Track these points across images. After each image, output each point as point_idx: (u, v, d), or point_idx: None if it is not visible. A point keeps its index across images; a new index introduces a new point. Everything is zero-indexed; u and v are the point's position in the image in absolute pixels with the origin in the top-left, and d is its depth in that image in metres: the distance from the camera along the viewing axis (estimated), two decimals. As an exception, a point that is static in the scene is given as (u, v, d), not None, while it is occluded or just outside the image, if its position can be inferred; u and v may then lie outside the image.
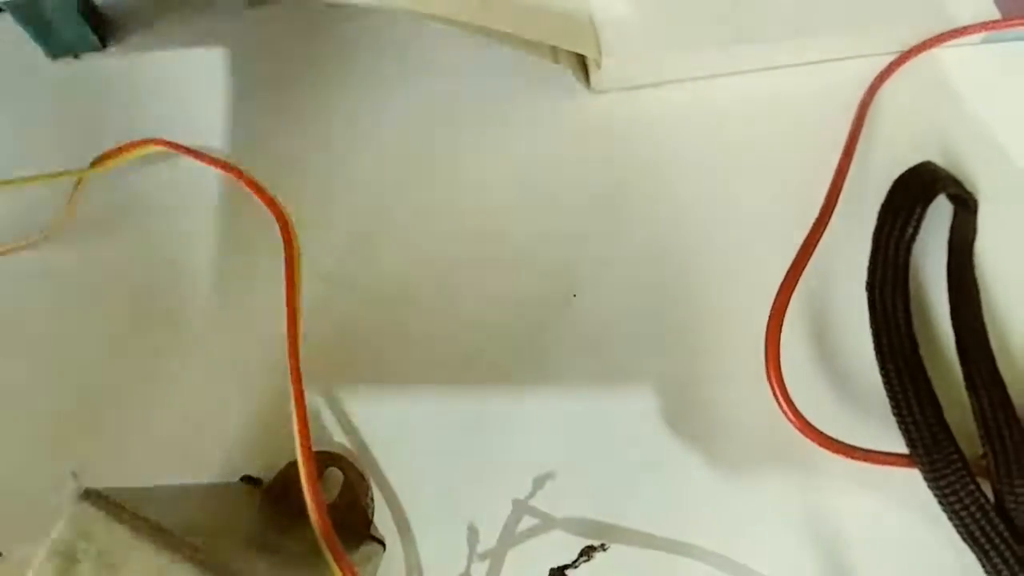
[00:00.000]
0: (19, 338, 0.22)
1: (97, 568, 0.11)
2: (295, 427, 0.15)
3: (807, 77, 0.25)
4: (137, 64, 0.28)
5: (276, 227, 0.18)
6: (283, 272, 0.17)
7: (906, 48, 0.26)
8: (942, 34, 0.26)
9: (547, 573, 0.16)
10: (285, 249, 0.18)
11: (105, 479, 0.13)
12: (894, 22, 0.26)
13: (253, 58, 0.27)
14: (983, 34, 0.26)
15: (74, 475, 0.13)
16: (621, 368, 0.21)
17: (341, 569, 0.13)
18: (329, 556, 0.13)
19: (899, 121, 0.25)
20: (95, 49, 0.28)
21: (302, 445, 0.15)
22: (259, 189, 0.18)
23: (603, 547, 0.17)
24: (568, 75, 0.25)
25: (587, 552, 0.17)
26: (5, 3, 0.26)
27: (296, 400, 0.15)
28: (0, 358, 0.21)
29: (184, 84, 0.27)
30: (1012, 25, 0.26)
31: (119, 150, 0.21)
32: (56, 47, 0.28)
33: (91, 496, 0.12)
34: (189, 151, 0.20)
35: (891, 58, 0.26)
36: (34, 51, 0.28)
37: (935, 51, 0.26)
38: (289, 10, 0.28)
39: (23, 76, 0.28)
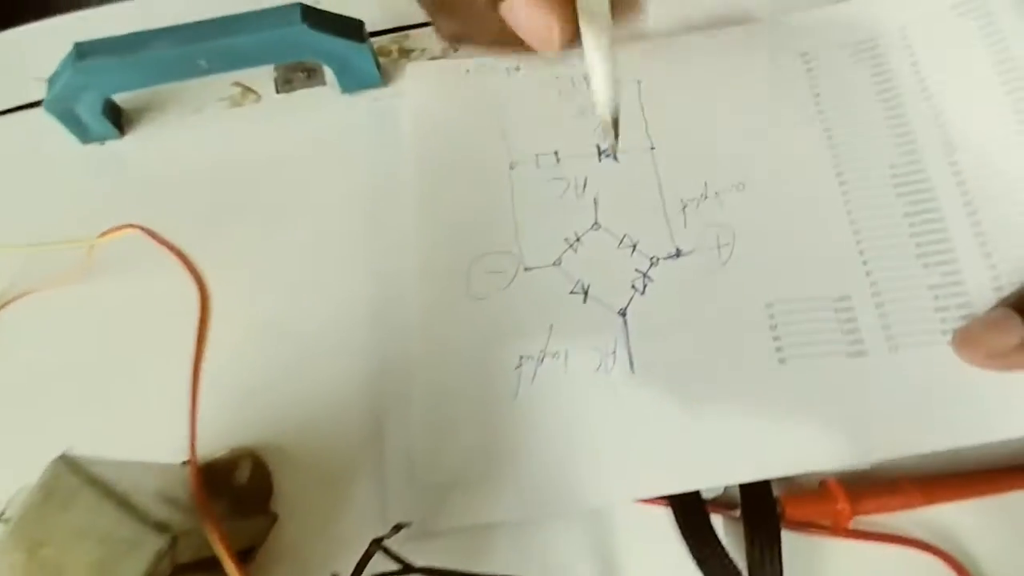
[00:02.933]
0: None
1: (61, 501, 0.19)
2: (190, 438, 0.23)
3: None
4: (146, 149, 0.37)
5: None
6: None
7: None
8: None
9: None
10: (200, 311, 0.26)
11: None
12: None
13: (224, 155, 0.36)
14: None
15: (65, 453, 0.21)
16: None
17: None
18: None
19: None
20: (116, 137, 0.37)
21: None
22: (191, 268, 0.27)
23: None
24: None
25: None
26: (46, 105, 0.35)
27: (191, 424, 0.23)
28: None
29: (176, 170, 0.36)
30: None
31: (113, 229, 0.29)
32: (85, 136, 0.37)
33: (65, 458, 0.20)
34: (153, 235, 0.29)
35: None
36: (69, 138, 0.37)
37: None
38: (265, 113, 0.37)
39: (60, 156, 0.37)
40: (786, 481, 0.26)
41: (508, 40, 0.22)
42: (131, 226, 0.29)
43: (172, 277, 0.31)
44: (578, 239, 0.30)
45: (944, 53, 0.30)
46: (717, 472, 0.25)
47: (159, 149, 0.36)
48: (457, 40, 0.23)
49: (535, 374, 0.27)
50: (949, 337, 0.26)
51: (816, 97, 0.31)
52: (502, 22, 0.22)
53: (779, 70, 0.32)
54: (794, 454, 0.25)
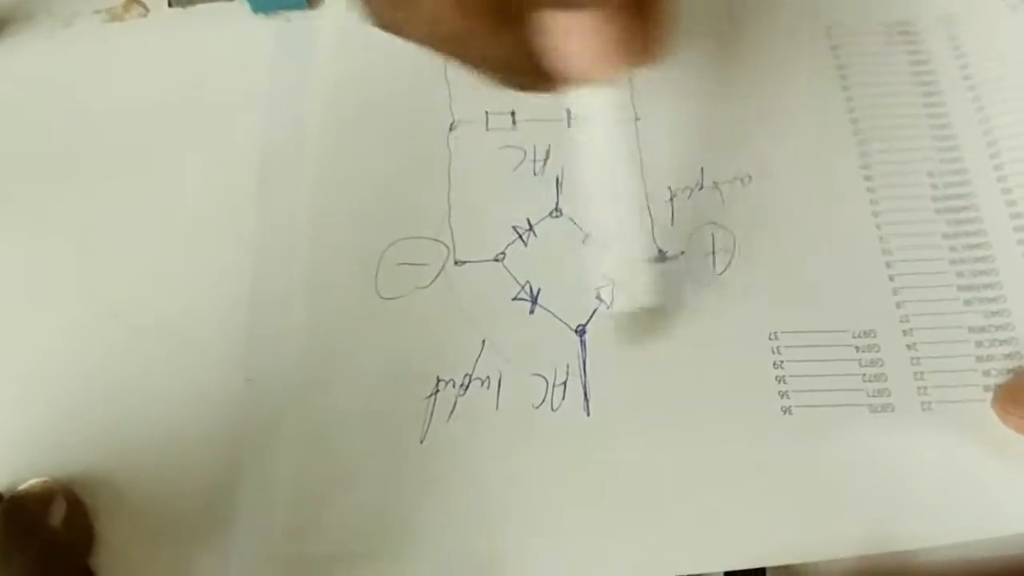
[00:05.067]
0: None
1: None
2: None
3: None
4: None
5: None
6: None
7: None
8: None
9: None
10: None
11: None
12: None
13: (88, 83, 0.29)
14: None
15: None
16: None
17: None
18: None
19: None
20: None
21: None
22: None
23: None
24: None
25: None
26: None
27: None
28: None
29: (24, 102, 0.29)
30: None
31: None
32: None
33: None
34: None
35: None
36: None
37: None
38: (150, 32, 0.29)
39: None
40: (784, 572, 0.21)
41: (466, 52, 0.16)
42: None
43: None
44: (531, 228, 0.24)
45: (996, 52, 0.26)
46: (695, 558, 0.20)
47: (8, 73, 0.29)
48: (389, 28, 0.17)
49: (454, 406, 0.22)
50: (992, 394, 0.22)
51: (842, 80, 0.26)
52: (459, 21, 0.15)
53: (799, 42, 0.27)
54: (796, 539, 0.20)
